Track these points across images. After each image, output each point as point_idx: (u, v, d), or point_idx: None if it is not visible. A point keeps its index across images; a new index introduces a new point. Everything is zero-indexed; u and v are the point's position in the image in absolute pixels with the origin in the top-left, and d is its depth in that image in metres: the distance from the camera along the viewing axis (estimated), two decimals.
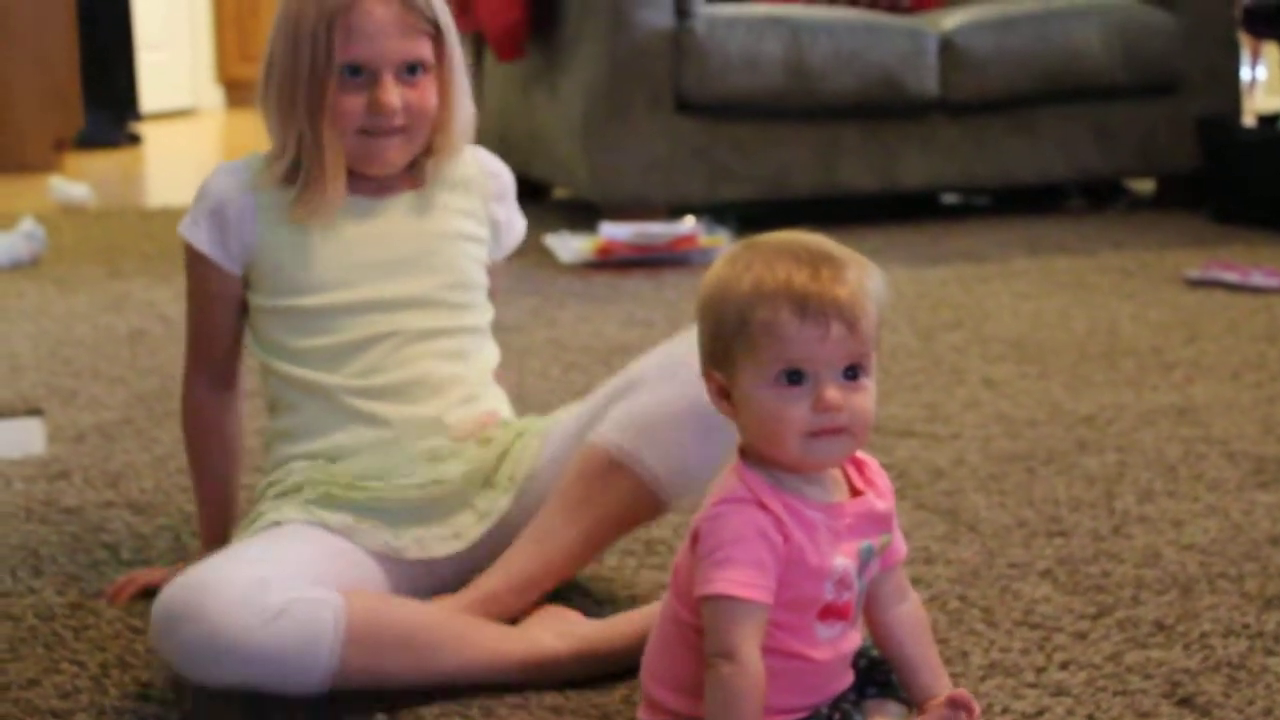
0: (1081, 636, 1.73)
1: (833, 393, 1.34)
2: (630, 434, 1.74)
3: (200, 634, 1.53)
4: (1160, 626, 1.75)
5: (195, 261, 1.86)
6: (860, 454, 1.44)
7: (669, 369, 1.76)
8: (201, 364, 1.91)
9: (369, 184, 1.87)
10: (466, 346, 1.88)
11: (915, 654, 1.48)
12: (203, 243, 1.84)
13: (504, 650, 1.65)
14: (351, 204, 1.85)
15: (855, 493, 1.42)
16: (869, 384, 1.37)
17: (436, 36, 1.84)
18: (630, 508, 1.75)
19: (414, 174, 1.89)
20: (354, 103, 1.81)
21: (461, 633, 1.65)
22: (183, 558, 2.00)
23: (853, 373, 1.35)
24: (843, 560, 1.38)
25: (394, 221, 1.87)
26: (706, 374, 1.41)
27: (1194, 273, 3.78)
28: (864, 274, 1.36)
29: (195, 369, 1.91)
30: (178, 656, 1.55)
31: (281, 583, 1.57)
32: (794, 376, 1.34)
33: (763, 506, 1.35)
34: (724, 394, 1.39)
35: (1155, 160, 4.91)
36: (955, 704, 1.43)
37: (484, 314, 1.92)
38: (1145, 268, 3.98)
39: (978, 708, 1.44)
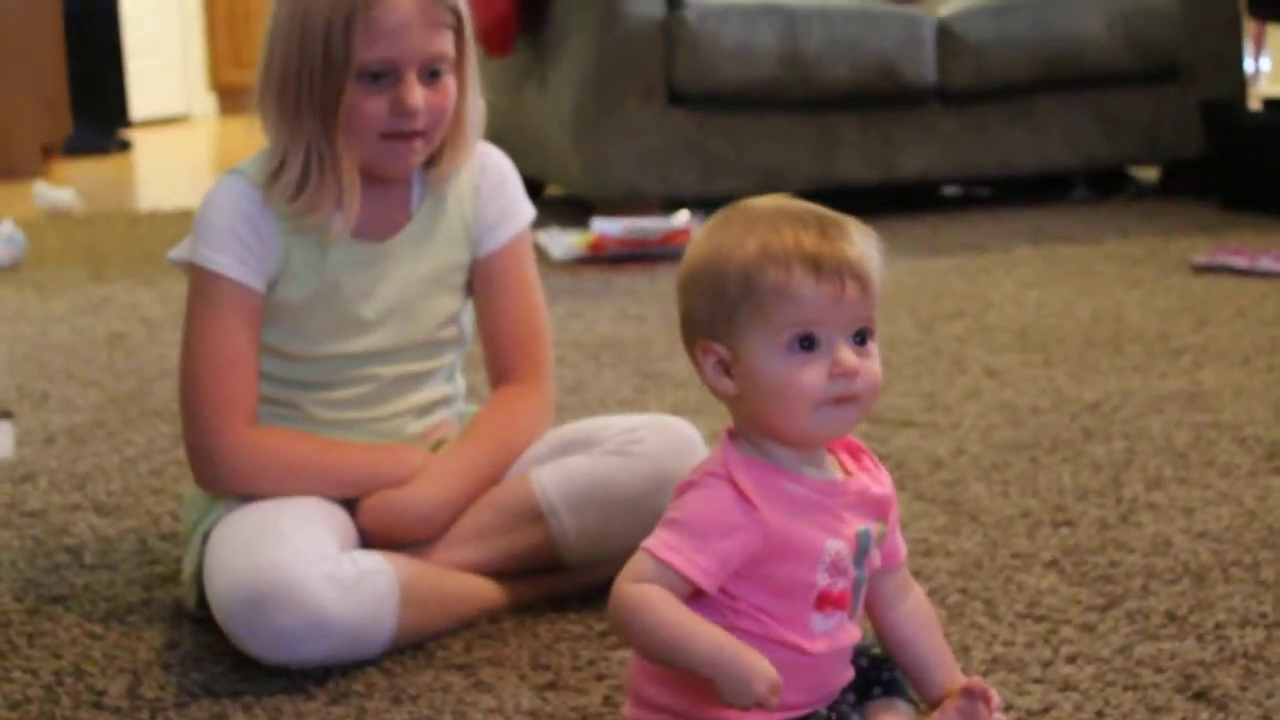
0: (1089, 629, 1.64)
1: (851, 356, 1.28)
2: (564, 491, 1.74)
3: (295, 616, 1.55)
4: (1172, 617, 1.66)
5: (219, 289, 1.70)
6: (855, 441, 1.38)
7: (628, 444, 1.75)
8: (240, 402, 1.71)
9: (371, 224, 1.76)
10: (434, 383, 1.86)
11: (926, 650, 1.41)
12: (228, 267, 1.70)
13: (495, 597, 1.74)
14: (351, 252, 1.75)
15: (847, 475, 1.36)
16: (876, 350, 1.32)
17: (458, 28, 1.71)
18: (531, 554, 1.76)
19: (418, 188, 1.81)
20: (376, 105, 1.67)
21: (472, 589, 1.73)
22: (150, 561, 1.93)
23: (861, 337, 1.31)
24: (836, 544, 1.31)
25: (388, 271, 1.78)
26: (702, 349, 1.32)
27: (1201, 259, 3.69)
28: (864, 235, 1.33)
29: (232, 413, 1.71)
30: (270, 642, 1.56)
31: (337, 552, 1.62)
32: (806, 342, 1.28)
33: (734, 485, 1.29)
34: (724, 369, 1.31)
35: (1160, 147, 4.82)
36: (971, 693, 1.35)
37: (456, 348, 1.87)
38: (1152, 255, 3.89)
39: (995, 695, 1.36)
